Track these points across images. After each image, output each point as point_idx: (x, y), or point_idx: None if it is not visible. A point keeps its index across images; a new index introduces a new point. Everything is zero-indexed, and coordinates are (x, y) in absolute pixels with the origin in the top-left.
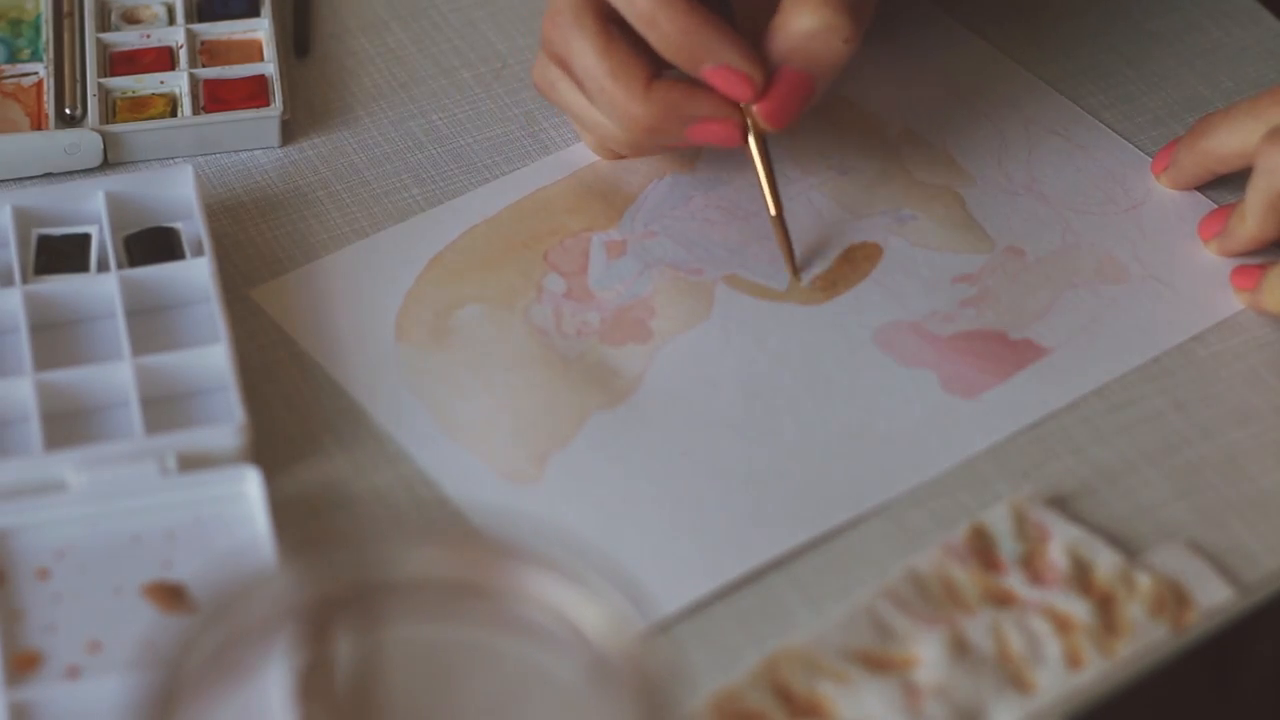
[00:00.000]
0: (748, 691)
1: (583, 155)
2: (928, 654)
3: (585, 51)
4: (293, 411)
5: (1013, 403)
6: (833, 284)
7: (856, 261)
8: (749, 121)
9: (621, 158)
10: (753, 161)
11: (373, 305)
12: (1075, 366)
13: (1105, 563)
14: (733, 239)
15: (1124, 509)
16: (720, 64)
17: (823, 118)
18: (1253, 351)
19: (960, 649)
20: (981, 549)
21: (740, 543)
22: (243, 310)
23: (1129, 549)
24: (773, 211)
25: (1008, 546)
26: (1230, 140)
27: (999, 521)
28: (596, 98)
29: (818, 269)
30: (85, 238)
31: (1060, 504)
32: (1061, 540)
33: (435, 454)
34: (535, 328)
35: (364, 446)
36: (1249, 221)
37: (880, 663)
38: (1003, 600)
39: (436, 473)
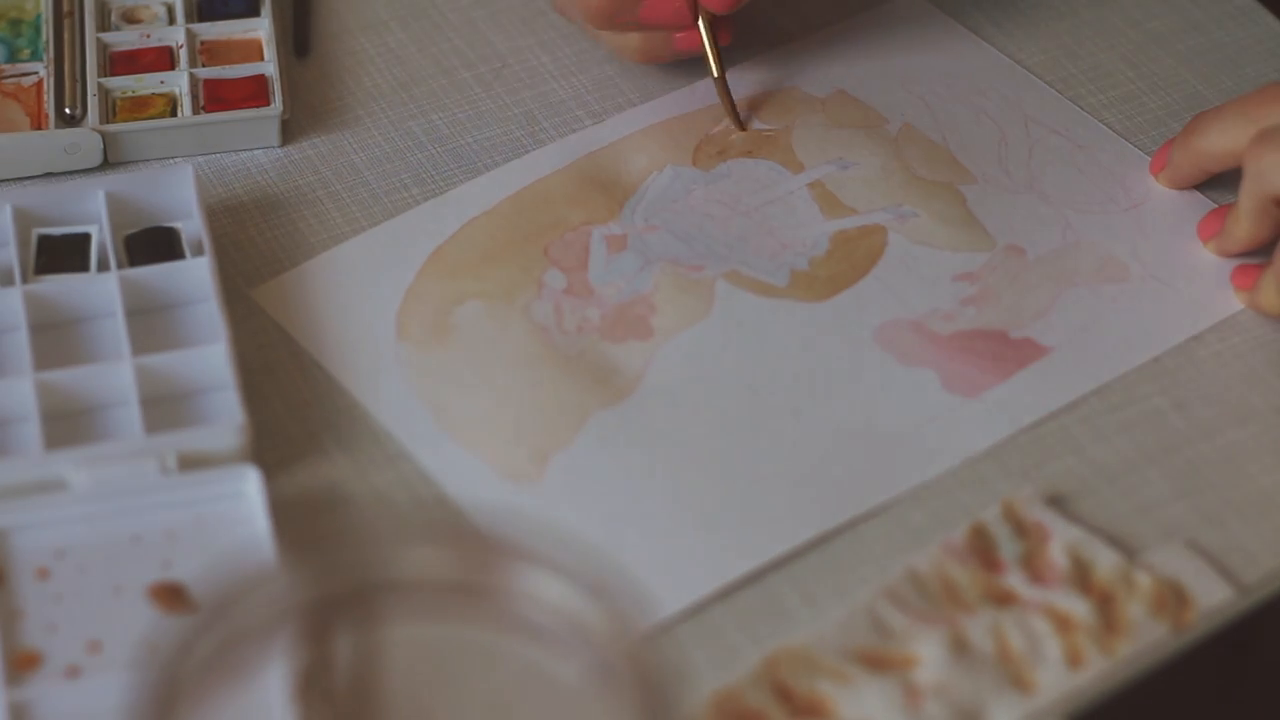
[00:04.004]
0: (748, 691)
1: (580, 144)
2: (928, 653)
3: None
4: (293, 411)
5: (1014, 402)
6: (832, 280)
7: (857, 259)
8: (698, 6)
9: (645, 60)
10: (700, 42)
11: (373, 303)
12: (1076, 366)
13: (1105, 562)
14: (733, 234)
15: (1124, 509)
16: None
17: (825, 112)
18: (1253, 351)
19: (960, 648)
20: (982, 549)
21: (740, 543)
22: (243, 310)
23: (1129, 549)
24: (715, 74)
25: (1008, 546)
26: (1221, 140)
27: (998, 521)
28: None
29: (818, 252)
30: (85, 237)
31: (1060, 504)
32: (1061, 540)
33: (436, 453)
34: (536, 325)
35: (364, 446)
36: (1242, 223)
37: (880, 662)
38: (1003, 600)
39: (437, 472)
